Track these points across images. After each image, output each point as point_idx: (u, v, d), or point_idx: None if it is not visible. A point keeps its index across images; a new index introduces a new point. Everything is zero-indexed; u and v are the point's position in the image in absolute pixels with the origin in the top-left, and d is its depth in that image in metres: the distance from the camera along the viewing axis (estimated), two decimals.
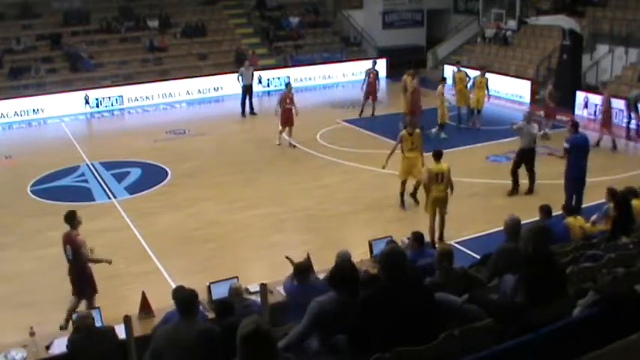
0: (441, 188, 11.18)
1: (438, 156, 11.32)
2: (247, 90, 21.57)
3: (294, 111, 17.62)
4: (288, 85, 18.21)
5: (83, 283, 8.97)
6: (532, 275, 4.77)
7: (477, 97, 18.81)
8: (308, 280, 7.34)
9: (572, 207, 11.03)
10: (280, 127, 17.65)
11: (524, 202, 12.46)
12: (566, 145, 12.06)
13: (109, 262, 9.23)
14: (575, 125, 12.39)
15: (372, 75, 20.64)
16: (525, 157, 13.47)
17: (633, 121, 18.04)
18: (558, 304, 4.67)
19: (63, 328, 8.54)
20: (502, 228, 7.06)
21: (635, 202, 9.10)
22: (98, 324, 6.84)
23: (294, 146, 17.44)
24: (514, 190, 13.57)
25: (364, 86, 20.67)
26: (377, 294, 4.39)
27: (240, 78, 21.61)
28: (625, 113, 18.24)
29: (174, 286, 9.91)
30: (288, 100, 17.55)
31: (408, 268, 4.55)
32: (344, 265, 5.10)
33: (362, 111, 20.79)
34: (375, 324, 4.22)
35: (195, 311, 5.54)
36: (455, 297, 4.82)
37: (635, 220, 8.65)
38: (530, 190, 13.52)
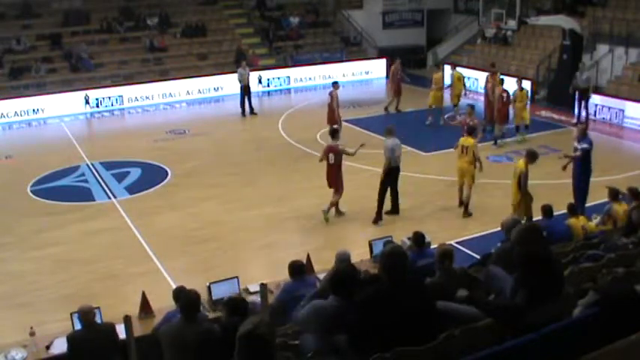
0: (464, 160, 12.60)
1: (469, 132, 12.89)
2: (245, 90, 21.60)
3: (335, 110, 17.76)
4: (335, 84, 18.09)
5: (338, 183, 12.55)
6: (528, 275, 4.76)
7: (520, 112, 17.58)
8: (302, 279, 7.38)
9: (577, 207, 10.97)
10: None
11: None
12: (587, 146, 11.85)
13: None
14: (585, 129, 12.42)
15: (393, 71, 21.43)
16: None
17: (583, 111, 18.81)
18: (555, 304, 4.67)
19: (325, 213, 12.49)
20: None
21: (616, 207, 9.15)
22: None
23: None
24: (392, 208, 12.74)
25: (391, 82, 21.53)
26: (377, 294, 4.39)
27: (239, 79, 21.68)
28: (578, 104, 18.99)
29: (174, 286, 9.98)
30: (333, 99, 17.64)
31: (408, 269, 4.55)
32: (343, 269, 5.06)
33: (387, 107, 21.39)
34: (375, 324, 4.22)
35: (197, 312, 5.54)
36: (456, 305, 4.78)
37: None
38: (378, 215, 12.49)
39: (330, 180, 12.62)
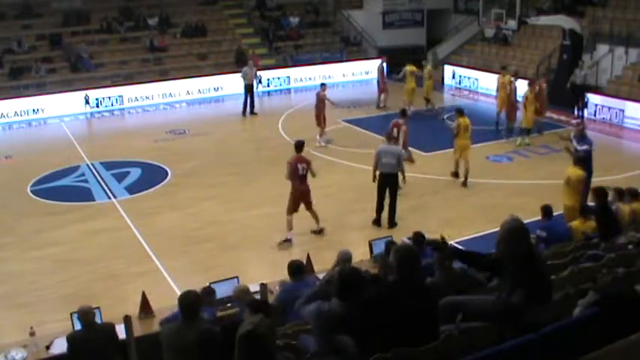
0: (466, 136, 14.14)
1: (461, 112, 14.52)
2: (249, 89, 21.67)
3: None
4: (323, 85, 18.20)
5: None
6: (518, 274, 4.75)
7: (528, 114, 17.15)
8: (302, 279, 7.38)
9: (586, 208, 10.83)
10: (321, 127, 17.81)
11: (525, 202, 12.45)
12: (587, 147, 11.88)
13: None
14: (582, 130, 12.40)
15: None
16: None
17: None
18: (549, 303, 4.67)
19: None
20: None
21: (635, 205, 9.07)
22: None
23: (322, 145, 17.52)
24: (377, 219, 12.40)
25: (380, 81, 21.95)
26: (379, 294, 4.35)
27: (243, 77, 21.81)
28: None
29: (174, 286, 10.01)
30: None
31: (418, 269, 4.50)
32: (348, 272, 4.99)
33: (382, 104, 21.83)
34: (379, 323, 4.17)
35: (196, 314, 5.50)
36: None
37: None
38: (377, 221, 12.31)
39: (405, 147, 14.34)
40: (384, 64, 21.85)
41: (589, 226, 9.24)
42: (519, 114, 17.79)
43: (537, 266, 4.89)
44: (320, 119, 17.71)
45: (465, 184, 14.13)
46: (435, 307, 4.44)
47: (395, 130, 14.16)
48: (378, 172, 12.25)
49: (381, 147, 12.40)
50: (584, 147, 11.89)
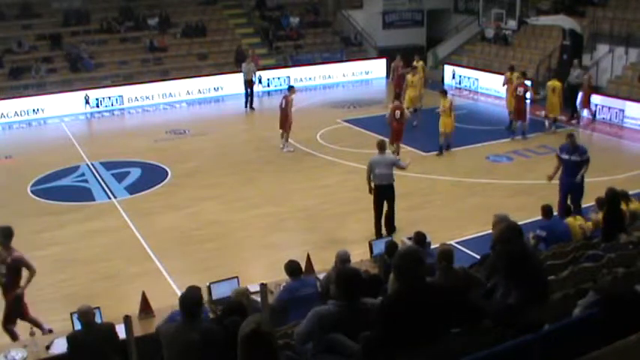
0: (448, 114, 16.28)
1: (445, 93, 16.85)
2: (249, 85, 22.06)
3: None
4: (291, 88, 17.87)
5: (401, 136, 16.09)
6: (514, 274, 4.74)
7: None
8: (302, 279, 7.39)
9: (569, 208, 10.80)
10: (286, 132, 17.35)
11: (524, 202, 12.45)
12: (588, 155, 11.70)
13: None
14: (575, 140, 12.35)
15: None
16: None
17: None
18: (547, 302, 4.67)
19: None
20: None
21: (633, 206, 9.09)
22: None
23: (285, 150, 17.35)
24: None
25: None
26: (400, 299, 4.24)
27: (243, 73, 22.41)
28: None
29: (174, 286, 10.01)
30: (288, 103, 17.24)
31: (421, 272, 4.38)
32: (348, 271, 4.95)
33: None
34: (398, 329, 4.09)
35: (197, 313, 5.51)
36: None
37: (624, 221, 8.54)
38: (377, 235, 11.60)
39: (398, 135, 15.71)
40: (401, 62, 21.85)
41: (580, 221, 9.36)
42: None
43: (533, 266, 4.89)
44: (286, 124, 17.11)
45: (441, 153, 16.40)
46: (445, 307, 4.32)
47: (398, 112, 15.59)
48: (373, 185, 11.73)
49: (373, 158, 11.77)
50: (588, 156, 11.64)
